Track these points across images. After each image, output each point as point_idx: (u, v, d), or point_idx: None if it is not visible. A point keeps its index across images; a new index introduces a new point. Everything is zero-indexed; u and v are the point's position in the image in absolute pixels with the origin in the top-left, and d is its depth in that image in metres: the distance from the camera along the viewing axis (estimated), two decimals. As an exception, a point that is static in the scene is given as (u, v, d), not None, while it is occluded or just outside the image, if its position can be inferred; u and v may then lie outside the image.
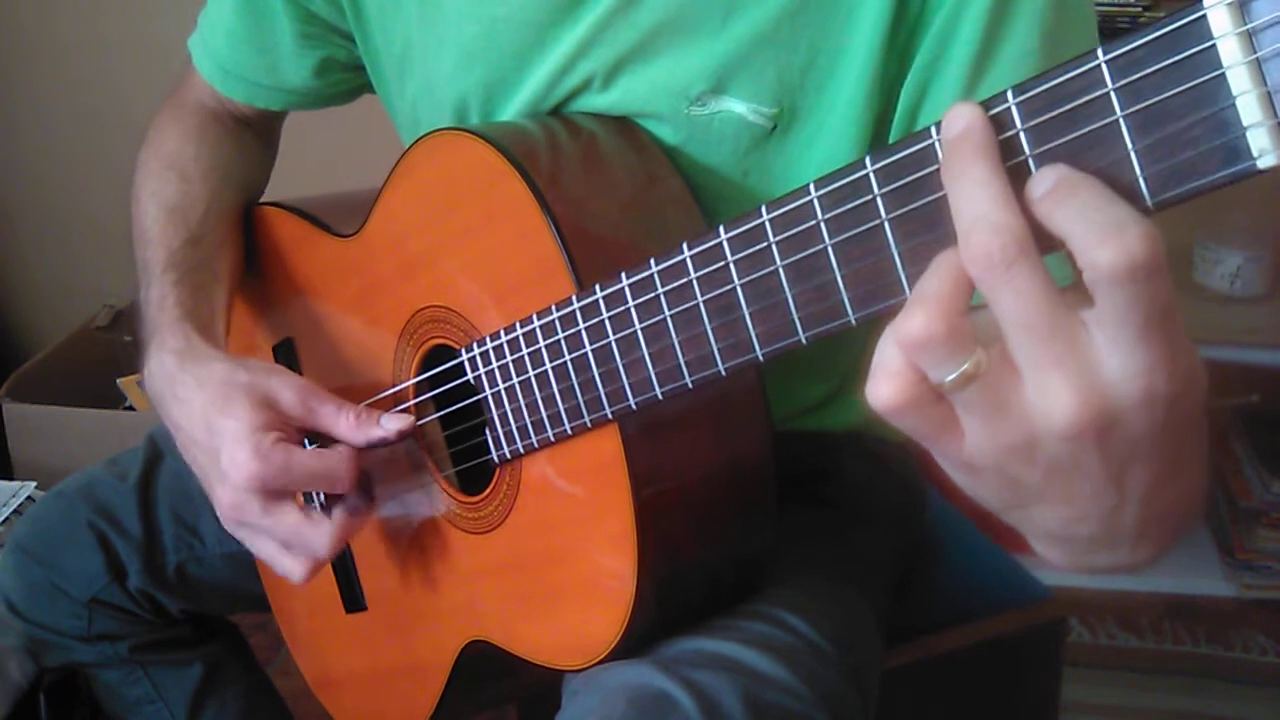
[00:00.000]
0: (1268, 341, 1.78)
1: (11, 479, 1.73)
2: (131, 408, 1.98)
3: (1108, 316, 0.40)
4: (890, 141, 0.74)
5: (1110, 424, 0.42)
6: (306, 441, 0.80)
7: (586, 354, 0.66)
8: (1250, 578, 1.88)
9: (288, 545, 0.77)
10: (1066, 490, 0.45)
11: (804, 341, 0.54)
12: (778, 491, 0.74)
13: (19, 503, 1.63)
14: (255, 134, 1.02)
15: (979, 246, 0.41)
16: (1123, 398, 0.41)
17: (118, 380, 2.01)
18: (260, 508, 0.75)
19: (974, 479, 0.47)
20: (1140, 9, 1.60)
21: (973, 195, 0.42)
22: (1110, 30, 0.78)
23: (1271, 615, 1.84)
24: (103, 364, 2.04)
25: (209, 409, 0.77)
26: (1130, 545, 0.49)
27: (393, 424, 0.77)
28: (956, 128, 0.43)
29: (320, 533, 0.76)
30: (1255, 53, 0.38)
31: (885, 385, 0.45)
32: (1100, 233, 0.40)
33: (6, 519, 1.59)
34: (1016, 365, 0.42)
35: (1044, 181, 0.42)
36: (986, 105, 0.44)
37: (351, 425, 0.77)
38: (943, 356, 0.42)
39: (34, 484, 1.67)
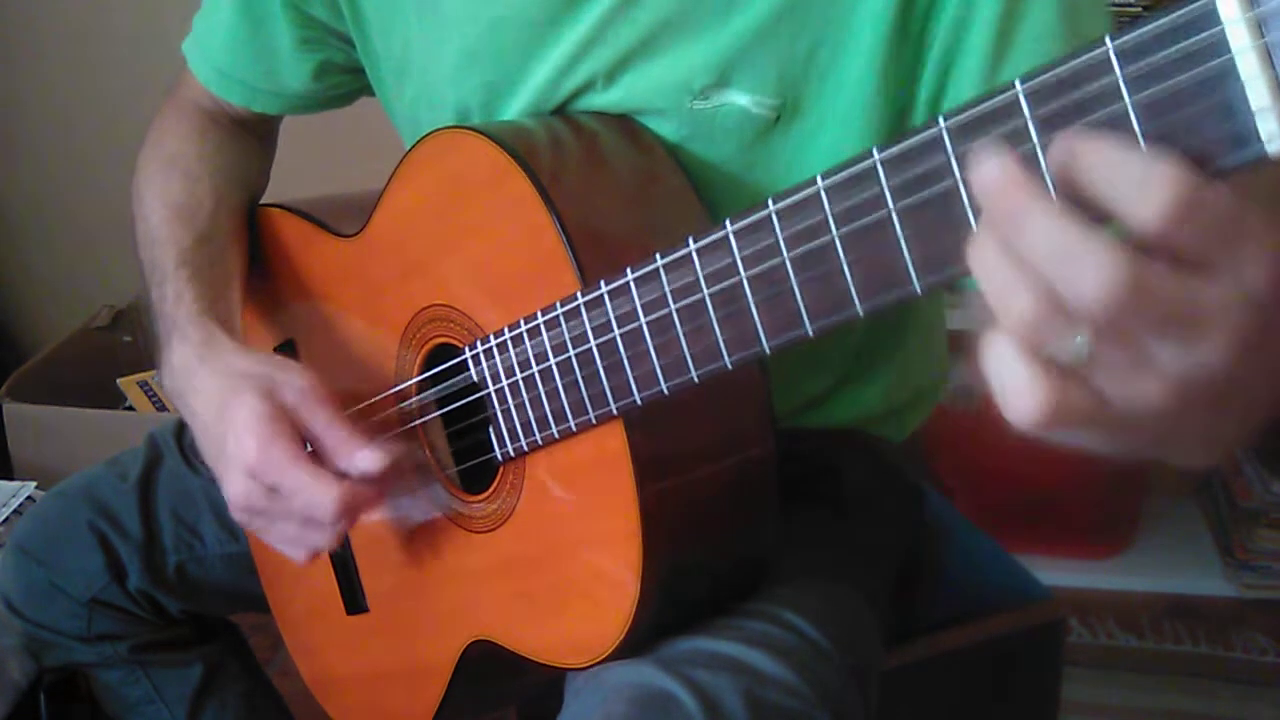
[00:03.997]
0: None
1: (11, 479, 1.73)
2: (131, 408, 1.98)
3: (1195, 259, 0.39)
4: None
5: (1259, 332, 0.41)
6: None
7: (591, 348, 0.66)
8: (1250, 578, 1.88)
9: (303, 523, 0.77)
10: (1217, 396, 0.43)
11: (810, 334, 0.54)
12: (780, 490, 0.74)
13: (19, 503, 1.63)
14: (254, 135, 1.02)
15: (1102, 286, 0.39)
16: (1255, 301, 0.40)
17: (118, 380, 2.01)
18: (265, 494, 0.76)
19: (1125, 434, 0.45)
20: (1140, 8, 1.60)
21: (1052, 239, 0.40)
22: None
23: (1271, 615, 1.84)
24: (103, 364, 2.04)
25: (224, 395, 0.78)
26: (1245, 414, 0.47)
27: (363, 463, 0.75)
28: (990, 180, 0.42)
29: (326, 489, 0.74)
30: (1264, 38, 0.38)
31: (1022, 399, 0.42)
32: (1128, 196, 0.39)
33: (6, 519, 1.59)
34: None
35: (1056, 158, 0.41)
36: (994, 94, 0.44)
37: (334, 444, 0.76)
38: (1064, 327, 0.41)
39: (34, 484, 1.67)
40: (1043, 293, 0.41)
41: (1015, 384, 0.42)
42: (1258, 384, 0.45)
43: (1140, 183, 0.39)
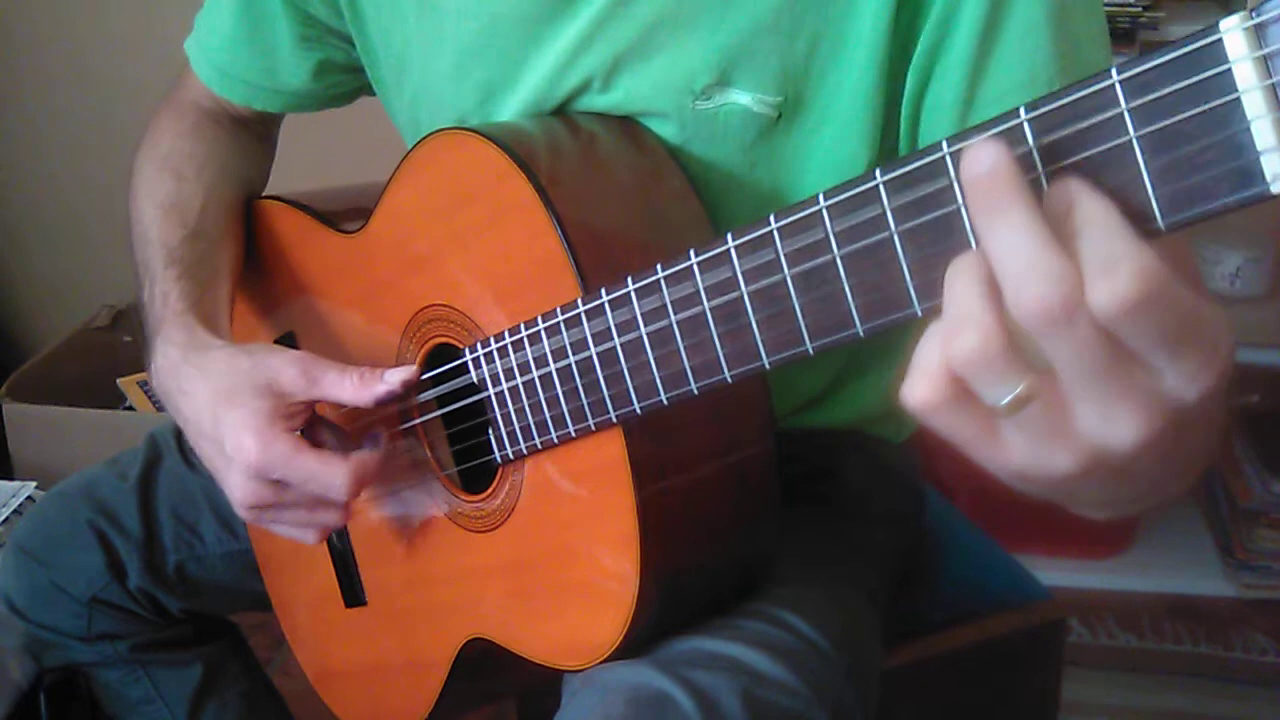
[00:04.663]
0: (1268, 341, 1.78)
1: (11, 479, 1.74)
2: (131, 408, 1.98)
3: (1134, 346, 0.40)
4: (900, 126, 0.74)
5: (1175, 431, 0.42)
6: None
7: (591, 357, 0.66)
8: (1250, 578, 1.88)
9: (311, 511, 0.78)
10: (1120, 477, 0.45)
11: (811, 352, 0.54)
12: (780, 493, 0.74)
13: (19, 503, 1.63)
14: (253, 134, 1.02)
15: (1036, 300, 0.40)
16: (1182, 405, 0.41)
17: (118, 380, 2.01)
18: (272, 490, 0.76)
19: (1022, 483, 0.46)
20: (1140, 9, 1.60)
21: (1015, 242, 0.41)
22: (1110, 31, 0.78)
23: (1271, 615, 1.84)
24: (103, 364, 2.04)
25: (215, 399, 0.77)
26: (1161, 490, 0.50)
27: (396, 376, 0.76)
28: (981, 167, 0.42)
29: (336, 471, 0.75)
30: (1271, 78, 0.38)
31: (922, 385, 0.44)
32: (1094, 269, 0.40)
33: (6, 519, 1.59)
34: (1070, 391, 0.42)
35: (1054, 199, 0.41)
36: (998, 121, 0.43)
37: (356, 386, 0.76)
38: (995, 378, 0.42)
39: (34, 484, 1.68)
40: (992, 337, 0.41)
41: (921, 367, 0.44)
42: (1165, 473, 0.47)
43: (1109, 261, 0.39)
